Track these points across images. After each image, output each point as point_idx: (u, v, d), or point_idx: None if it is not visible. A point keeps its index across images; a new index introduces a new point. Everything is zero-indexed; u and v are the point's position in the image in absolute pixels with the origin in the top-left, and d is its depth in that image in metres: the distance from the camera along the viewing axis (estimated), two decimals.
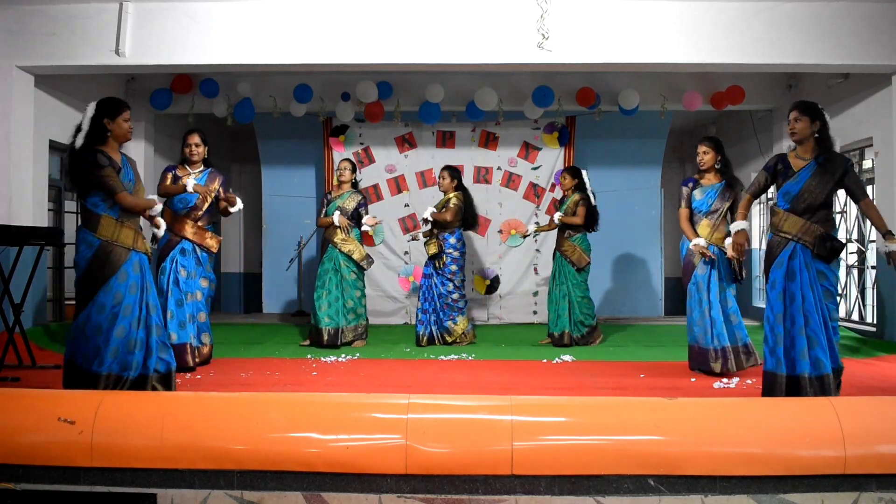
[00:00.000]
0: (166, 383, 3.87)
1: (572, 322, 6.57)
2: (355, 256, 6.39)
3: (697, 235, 5.05)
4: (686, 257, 5.15)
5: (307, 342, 6.43)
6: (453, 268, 6.52)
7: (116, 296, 3.75)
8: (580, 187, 6.71)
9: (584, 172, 6.80)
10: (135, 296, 3.82)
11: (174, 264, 5.12)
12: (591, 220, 6.64)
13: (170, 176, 5.35)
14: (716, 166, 5.23)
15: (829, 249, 3.88)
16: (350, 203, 6.45)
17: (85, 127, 3.82)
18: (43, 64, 6.09)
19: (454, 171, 6.70)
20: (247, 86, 7.91)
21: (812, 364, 3.80)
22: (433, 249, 6.52)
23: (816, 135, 4.03)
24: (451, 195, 6.59)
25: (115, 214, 3.82)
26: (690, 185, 5.28)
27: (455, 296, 6.53)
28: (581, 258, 6.58)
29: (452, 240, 6.55)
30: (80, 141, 3.81)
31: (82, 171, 3.77)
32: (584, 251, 6.62)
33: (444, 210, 6.55)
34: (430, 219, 6.52)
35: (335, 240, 6.39)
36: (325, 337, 6.29)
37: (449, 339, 6.53)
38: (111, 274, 3.76)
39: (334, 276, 6.38)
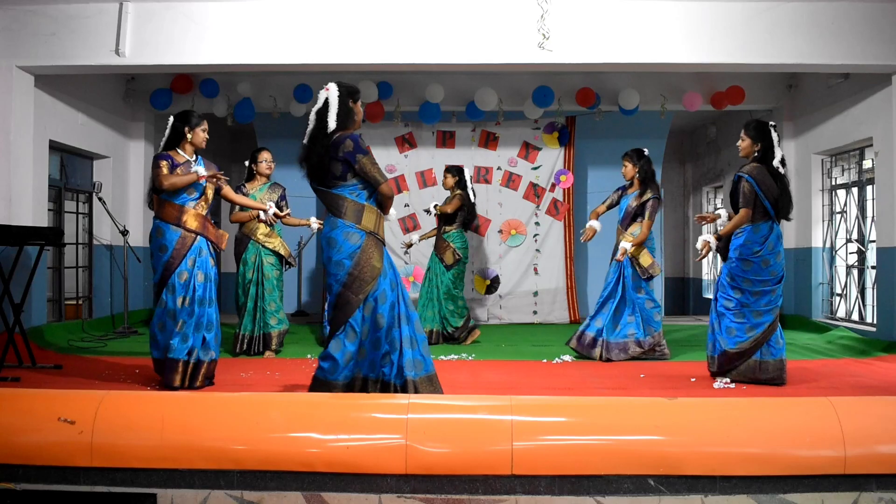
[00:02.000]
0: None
1: (440, 319, 6.64)
2: (282, 252, 5.98)
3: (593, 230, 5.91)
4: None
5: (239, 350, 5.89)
6: None
7: (382, 295, 3.58)
8: (461, 185, 6.73)
9: (465, 171, 6.82)
10: (396, 292, 3.66)
11: (193, 268, 4.36)
12: (467, 218, 6.72)
13: (166, 164, 4.40)
14: (636, 177, 5.81)
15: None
16: (273, 196, 6.02)
17: (334, 108, 3.63)
18: (43, 64, 6.09)
19: None
20: (247, 86, 7.92)
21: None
22: None
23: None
24: None
25: (374, 204, 3.65)
26: (619, 191, 6.01)
27: None
28: (451, 255, 6.62)
29: None
30: (332, 124, 3.60)
31: (352, 154, 3.55)
32: (458, 248, 6.66)
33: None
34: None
35: (257, 235, 5.87)
36: (246, 344, 5.85)
37: None
38: (381, 270, 3.60)
39: (256, 275, 5.87)
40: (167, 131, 4.49)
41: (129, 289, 7.60)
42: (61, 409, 3.14)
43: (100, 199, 7.05)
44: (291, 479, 3.03)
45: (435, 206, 6.74)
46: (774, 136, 4.59)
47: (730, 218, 4.77)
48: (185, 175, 4.35)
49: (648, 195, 5.70)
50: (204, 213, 4.46)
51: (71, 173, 7.41)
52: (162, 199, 4.37)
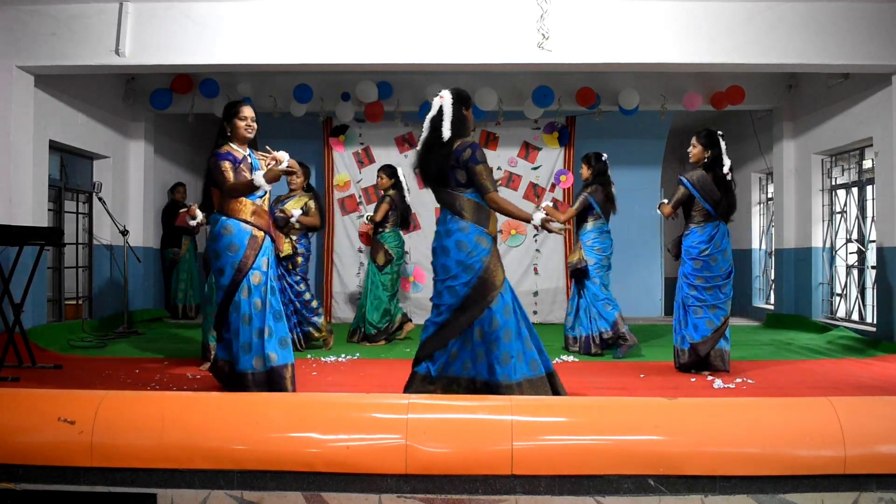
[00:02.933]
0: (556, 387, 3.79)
1: (364, 319, 6.62)
2: (289, 250, 5.93)
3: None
4: None
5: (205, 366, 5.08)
6: (305, 266, 6.33)
7: (500, 299, 3.68)
8: (396, 186, 6.71)
9: (399, 171, 6.76)
10: (511, 293, 3.76)
11: (268, 270, 4.04)
12: (401, 217, 6.72)
13: (229, 165, 3.98)
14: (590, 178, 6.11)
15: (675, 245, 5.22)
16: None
17: (448, 116, 3.75)
18: (43, 64, 6.08)
19: (306, 169, 6.47)
20: (247, 86, 7.91)
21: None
22: (289, 250, 6.14)
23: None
24: (307, 199, 6.23)
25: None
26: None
27: (307, 294, 6.25)
28: (382, 255, 6.61)
29: (304, 240, 6.30)
30: (446, 133, 3.73)
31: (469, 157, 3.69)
32: (391, 248, 6.66)
33: (310, 216, 6.19)
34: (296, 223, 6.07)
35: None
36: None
37: (316, 336, 6.18)
38: (504, 274, 3.73)
39: None
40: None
41: (129, 289, 7.60)
42: (61, 409, 3.14)
43: (100, 199, 7.05)
44: (291, 479, 3.03)
45: (368, 217, 6.69)
46: (723, 144, 4.97)
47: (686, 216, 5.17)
48: (243, 181, 3.90)
49: (583, 192, 6.07)
50: (267, 209, 4.14)
51: (71, 173, 7.41)
52: (228, 196, 3.99)
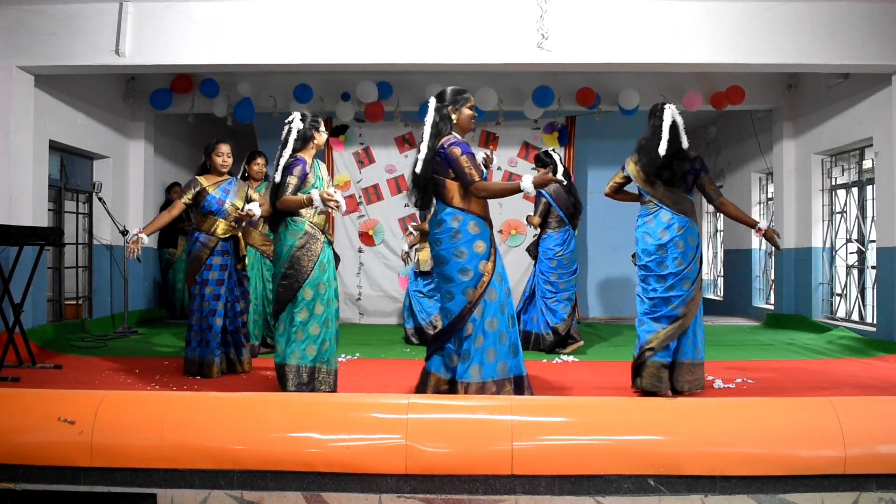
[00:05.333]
0: None
1: (265, 325, 5.92)
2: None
3: None
4: None
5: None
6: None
7: None
8: None
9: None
10: None
11: (503, 268, 3.91)
12: None
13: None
14: None
15: None
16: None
17: (682, 126, 4.11)
18: (43, 64, 6.08)
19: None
20: (247, 86, 7.91)
21: None
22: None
23: None
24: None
25: None
26: None
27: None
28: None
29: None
30: (685, 142, 4.11)
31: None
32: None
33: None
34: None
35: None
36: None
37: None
38: None
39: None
40: (433, 117, 4.20)
41: (129, 289, 7.59)
42: (61, 409, 3.14)
43: (100, 199, 7.05)
44: (291, 479, 3.04)
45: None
46: (556, 157, 5.49)
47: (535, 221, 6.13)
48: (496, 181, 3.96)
49: None
50: None
51: (71, 173, 7.41)
52: (470, 193, 3.70)
